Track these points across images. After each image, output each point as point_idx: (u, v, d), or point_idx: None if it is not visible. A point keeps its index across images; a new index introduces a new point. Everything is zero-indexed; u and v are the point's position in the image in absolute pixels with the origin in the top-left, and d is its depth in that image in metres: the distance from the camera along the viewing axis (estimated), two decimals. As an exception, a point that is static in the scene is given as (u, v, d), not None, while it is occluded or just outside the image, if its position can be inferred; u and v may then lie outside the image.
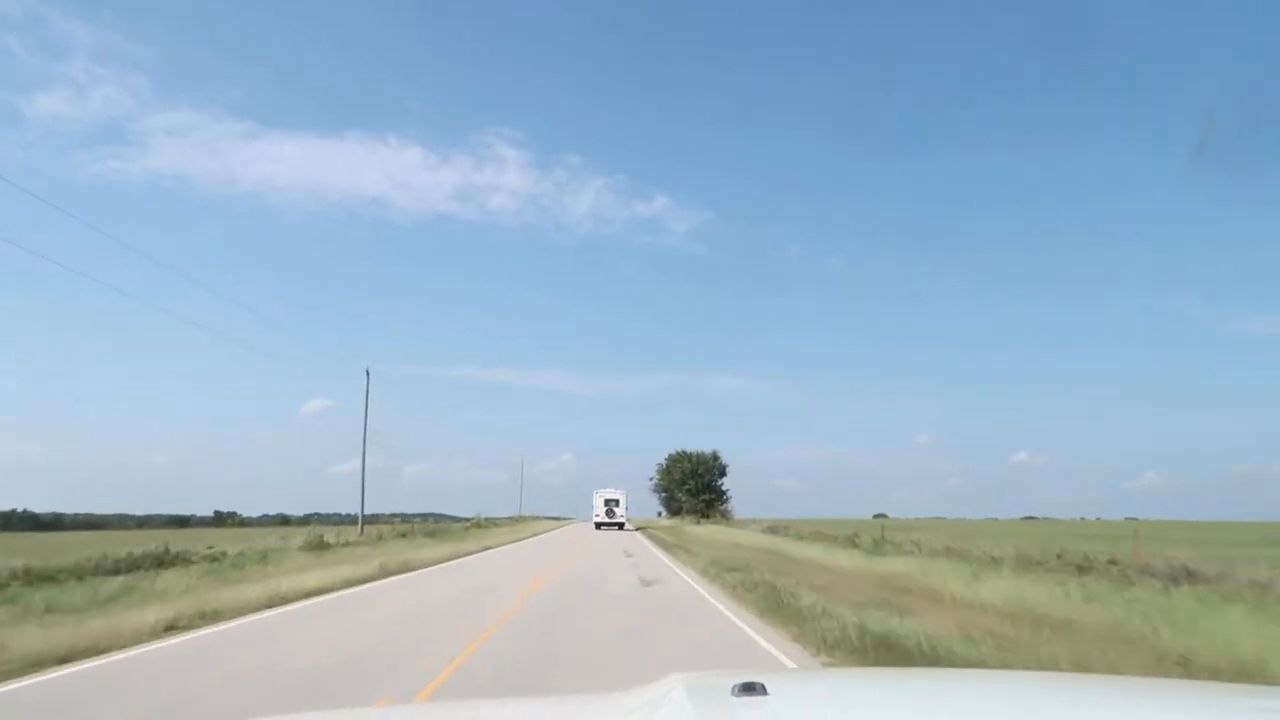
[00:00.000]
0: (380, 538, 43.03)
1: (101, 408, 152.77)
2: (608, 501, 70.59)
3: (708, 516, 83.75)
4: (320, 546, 32.35)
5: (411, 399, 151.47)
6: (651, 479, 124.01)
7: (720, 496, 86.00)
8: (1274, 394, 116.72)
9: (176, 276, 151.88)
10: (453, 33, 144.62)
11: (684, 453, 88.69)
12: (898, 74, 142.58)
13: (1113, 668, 7.65)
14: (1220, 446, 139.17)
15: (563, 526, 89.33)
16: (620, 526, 68.21)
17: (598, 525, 68.81)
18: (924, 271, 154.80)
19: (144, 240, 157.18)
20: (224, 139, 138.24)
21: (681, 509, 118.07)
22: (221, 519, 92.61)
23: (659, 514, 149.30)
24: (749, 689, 1.51)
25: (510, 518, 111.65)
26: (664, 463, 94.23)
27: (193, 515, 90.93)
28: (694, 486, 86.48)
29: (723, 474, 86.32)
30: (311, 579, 16.68)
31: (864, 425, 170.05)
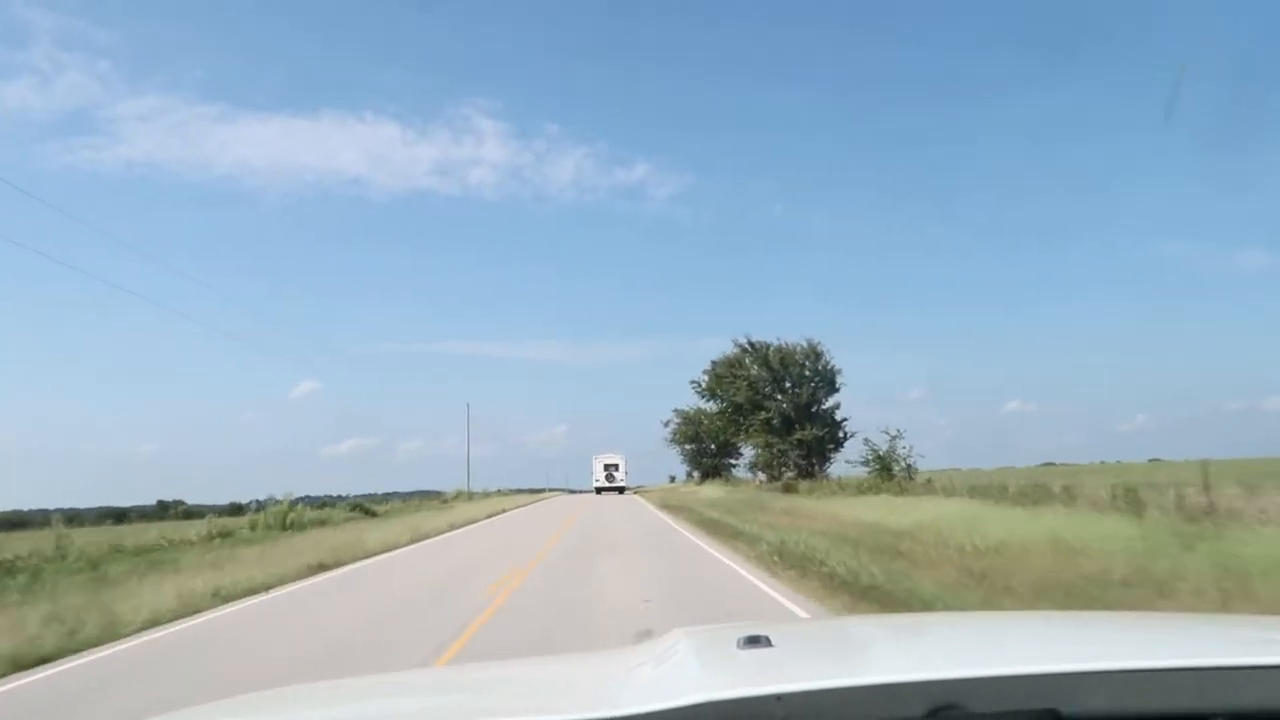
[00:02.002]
0: None
1: (74, 398, 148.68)
2: (607, 466, 72.43)
3: (810, 474, 39.76)
4: None
5: (402, 377, 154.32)
6: (668, 424, 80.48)
7: (835, 431, 41.46)
8: (1262, 331, 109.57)
9: (149, 263, 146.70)
10: (422, 2, 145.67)
11: (752, 345, 44.13)
12: (873, 24, 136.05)
13: None
14: (1210, 385, 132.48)
15: (526, 506, 50.45)
16: (620, 491, 68.38)
17: (598, 490, 70.00)
18: (906, 223, 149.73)
19: (119, 229, 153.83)
20: (196, 122, 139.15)
21: (718, 466, 75.27)
22: (165, 509, 79.55)
23: (672, 478, 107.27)
24: (754, 641, 1.54)
25: (451, 494, 70.77)
26: (705, 380, 49.90)
27: (133, 506, 78.07)
28: (778, 413, 41.63)
29: (832, 386, 42.14)
30: None
31: (855, 381, 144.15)
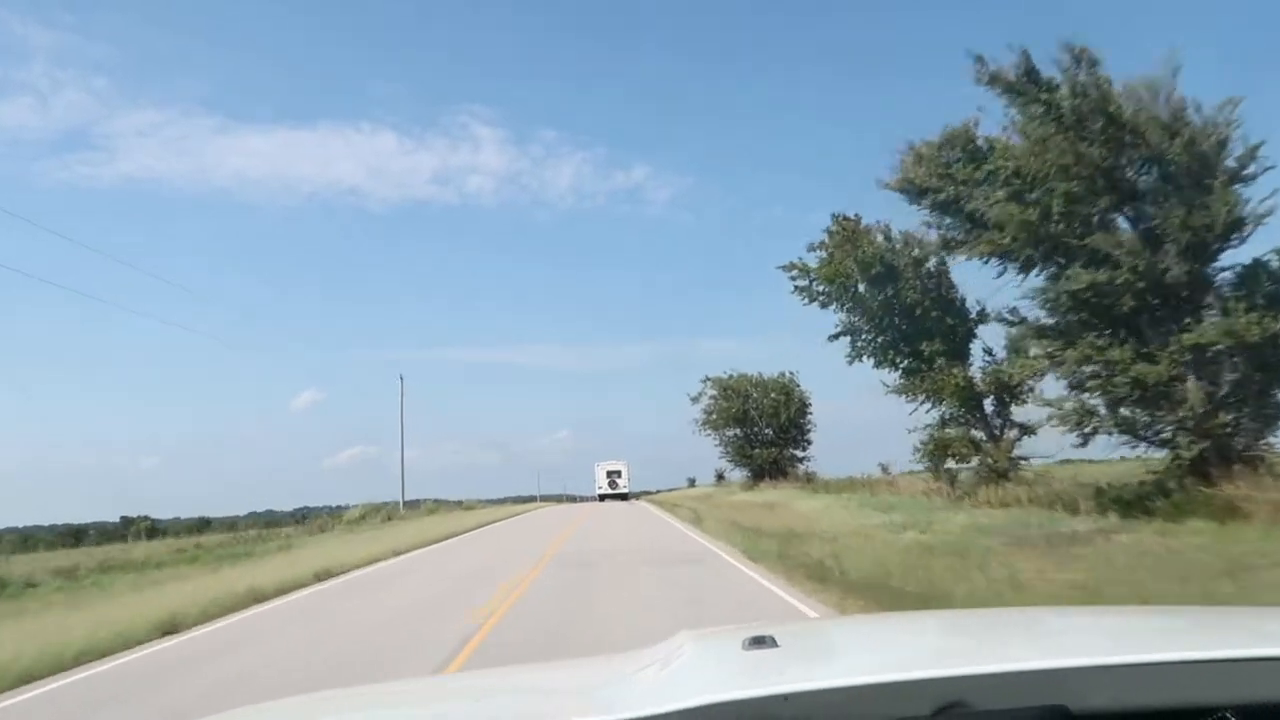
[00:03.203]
0: None
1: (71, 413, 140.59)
2: (610, 473, 67.94)
3: (1226, 456, 12.23)
4: None
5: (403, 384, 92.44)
6: (698, 399, 54.81)
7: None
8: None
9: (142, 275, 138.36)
10: (413, 9, 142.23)
11: (1033, 81, 13.72)
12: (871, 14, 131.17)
13: None
14: None
15: (454, 540, 25.78)
16: (624, 498, 63.78)
17: (601, 498, 65.32)
18: (902, 219, 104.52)
19: (119, 244, 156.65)
20: (194, 136, 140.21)
21: (779, 460, 50.66)
22: (128, 524, 66.50)
23: (691, 481, 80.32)
24: (759, 642, 1.53)
25: (355, 512, 45.23)
26: (823, 250, 22.52)
27: (91, 523, 69.89)
28: (1128, 275, 13.34)
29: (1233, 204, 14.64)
30: None
31: (854, 381, 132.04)
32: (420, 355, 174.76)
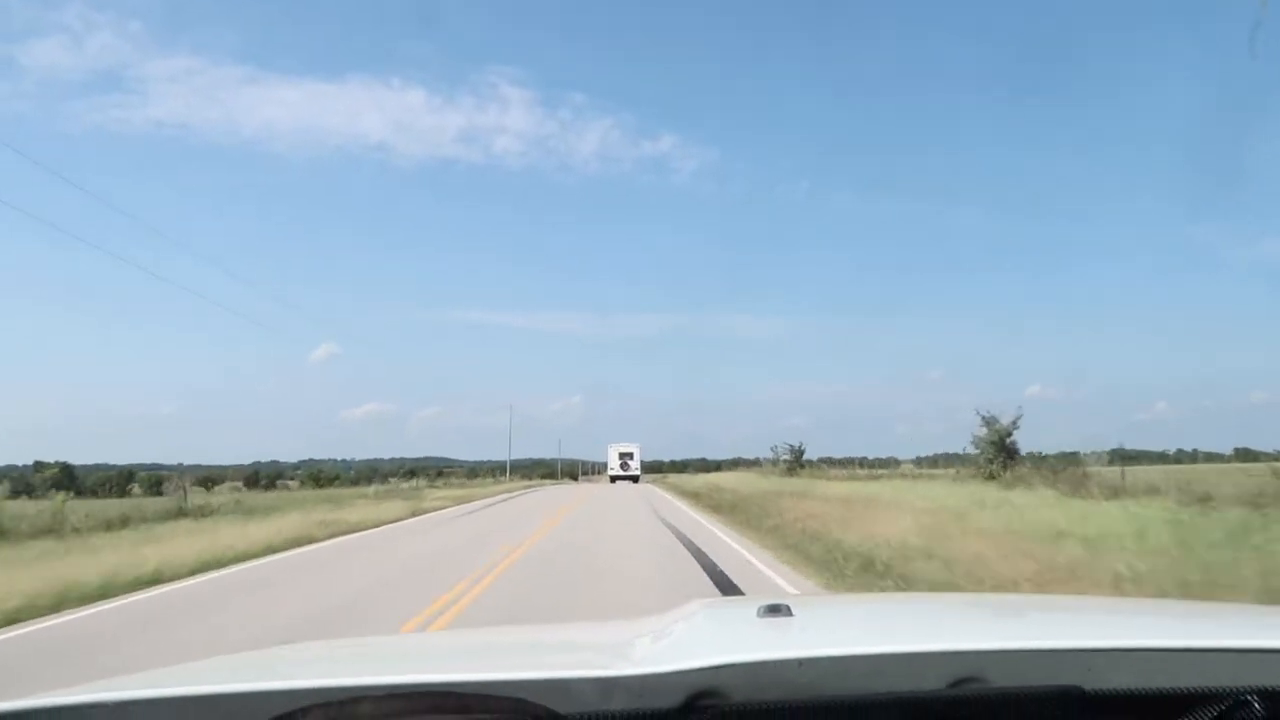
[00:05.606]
0: None
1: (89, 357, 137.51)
2: (622, 455, 69.66)
3: None
4: None
5: (421, 343, 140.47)
6: None
7: None
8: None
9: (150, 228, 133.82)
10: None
11: None
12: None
13: None
14: (1234, 374, 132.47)
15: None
16: (635, 480, 64.74)
17: (613, 479, 66.69)
18: (931, 203, 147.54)
19: (146, 190, 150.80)
20: (225, 84, 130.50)
21: None
22: (41, 469, 67.40)
23: (798, 451, 48.69)
24: (774, 610, 1.54)
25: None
26: None
27: (9, 466, 69.66)
28: None
29: None
30: None
31: (874, 361, 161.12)
32: (439, 315, 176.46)
